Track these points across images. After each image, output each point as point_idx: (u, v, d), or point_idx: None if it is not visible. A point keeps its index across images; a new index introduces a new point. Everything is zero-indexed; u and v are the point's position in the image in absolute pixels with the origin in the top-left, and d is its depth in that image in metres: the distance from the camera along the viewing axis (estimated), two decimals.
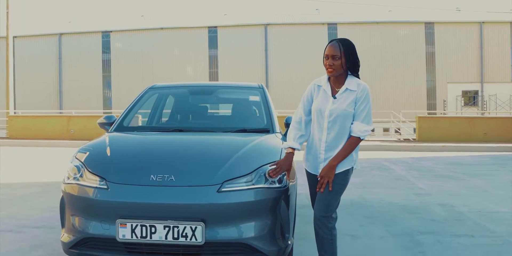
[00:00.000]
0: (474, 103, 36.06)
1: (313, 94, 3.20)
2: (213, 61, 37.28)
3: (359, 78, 3.16)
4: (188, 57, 37.09)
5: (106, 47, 38.40)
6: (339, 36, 33.42)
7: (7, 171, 9.27)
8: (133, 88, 30.82)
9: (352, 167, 3.15)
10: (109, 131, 4.32)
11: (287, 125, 4.12)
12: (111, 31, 38.41)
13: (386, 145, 15.17)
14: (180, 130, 4.28)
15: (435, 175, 8.99)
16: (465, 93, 36.13)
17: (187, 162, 3.27)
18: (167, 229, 2.91)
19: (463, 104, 35.87)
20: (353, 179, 3.24)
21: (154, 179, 3.07)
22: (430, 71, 36.03)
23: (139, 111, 4.77)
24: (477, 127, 16.37)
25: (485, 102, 35.40)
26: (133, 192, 3.02)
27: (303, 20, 37.96)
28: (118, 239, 2.95)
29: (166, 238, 2.91)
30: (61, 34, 38.77)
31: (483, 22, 35.66)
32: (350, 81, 3.10)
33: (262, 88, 4.98)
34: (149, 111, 5.19)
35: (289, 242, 3.20)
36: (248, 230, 3.00)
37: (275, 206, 3.09)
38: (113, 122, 4.45)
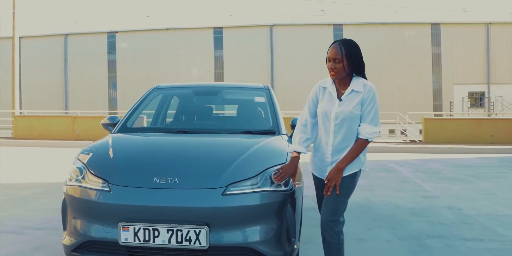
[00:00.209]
0: (480, 104, 35.88)
1: (318, 96, 3.12)
2: (218, 61, 37.27)
3: (365, 78, 3.07)
4: (194, 57, 37.09)
5: (111, 48, 38.46)
6: (345, 37, 33.33)
7: (10, 171, 9.25)
8: (138, 89, 30.77)
9: (360, 170, 3.07)
10: (113, 132, 4.26)
11: (293, 126, 4.03)
12: (116, 32, 38.47)
13: (392, 146, 15.08)
14: (185, 132, 4.21)
15: (442, 177, 8.90)
16: (471, 95, 35.95)
17: (191, 164, 3.20)
18: (170, 232, 2.85)
19: (469, 106, 35.71)
20: (359, 181, 3.17)
21: (158, 181, 3.01)
22: (436, 72, 35.88)
23: (144, 111, 4.72)
24: (484, 128, 16.25)
25: (492, 104, 35.23)
26: (136, 195, 2.96)
27: (309, 21, 37.89)
28: (120, 243, 2.89)
29: (169, 242, 2.85)
30: (67, 34, 38.87)
31: (489, 23, 35.48)
32: (356, 82, 3.02)
33: (268, 89, 4.91)
34: (154, 112, 5.13)
35: (295, 247, 3.13)
36: (253, 234, 2.94)
37: (281, 210, 3.02)
38: (116, 123, 4.38)
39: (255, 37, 36.67)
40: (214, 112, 5.42)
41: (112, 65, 38.32)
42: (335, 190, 2.96)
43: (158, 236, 2.85)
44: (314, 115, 3.14)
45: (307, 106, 3.17)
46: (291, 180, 3.14)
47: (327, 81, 3.11)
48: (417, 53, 35.68)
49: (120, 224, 2.88)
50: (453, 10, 40.82)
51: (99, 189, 3.03)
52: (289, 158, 3.15)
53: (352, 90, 3.00)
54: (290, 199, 3.08)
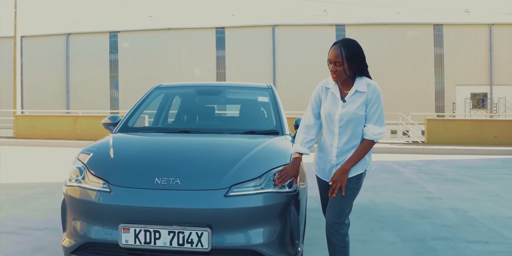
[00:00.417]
0: (483, 105, 35.78)
1: (321, 97, 3.05)
2: (220, 62, 37.22)
3: (369, 77, 3.00)
4: (196, 57, 37.06)
5: (113, 47, 38.45)
6: (347, 37, 33.26)
7: (10, 171, 9.21)
8: (140, 89, 30.75)
9: (365, 171, 3.02)
10: (114, 131, 4.20)
11: (297, 127, 3.99)
12: (118, 31, 38.46)
13: (395, 147, 15.03)
14: (187, 131, 4.15)
15: (445, 178, 8.85)
16: (473, 96, 35.86)
17: (193, 164, 3.14)
18: (172, 234, 2.79)
19: (471, 107, 35.61)
20: None
21: (159, 182, 2.95)
22: (438, 73, 35.80)
23: (145, 111, 4.66)
24: (487, 130, 16.21)
25: (494, 105, 35.13)
26: (137, 196, 2.90)
27: (311, 21, 37.84)
28: (120, 245, 2.83)
29: (170, 244, 2.79)
30: (68, 34, 38.86)
31: (492, 24, 35.39)
32: (360, 82, 2.94)
33: (271, 89, 4.85)
34: (155, 111, 5.08)
35: (299, 249, 3.07)
36: (256, 237, 2.88)
37: (285, 212, 2.96)
38: (117, 123, 4.33)
39: (257, 37, 36.62)
40: (216, 112, 5.36)
41: (114, 65, 38.30)
42: (341, 191, 2.91)
43: (159, 238, 2.79)
44: (318, 116, 3.08)
45: (310, 107, 3.11)
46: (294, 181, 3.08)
47: (330, 81, 3.03)
48: (420, 54, 35.60)
49: (121, 225, 2.82)
50: (455, 11, 40.75)
51: (99, 190, 2.97)
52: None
53: (356, 90, 2.93)
54: (294, 200, 3.02)
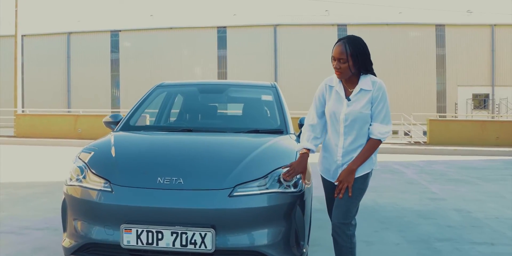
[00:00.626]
0: (484, 106, 35.73)
1: (325, 95, 2.97)
2: (222, 61, 37.19)
3: (374, 74, 2.92)
4: (197, 57, 37.02)
5: (114, 47, 38.41)
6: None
7: (11, 170, 9.16)
8: (141, 88, 30.73)
9: (372, 170, 2.96)
10: (115, 130, 4.14)
11: (301, 126, 3.91)
12: (120, 31, 38.43)
13: (397, 147, 14.98)
14: (189, 130, 4.09)
15: (447, 179, 8.79)
16: (475, 96, 35.81)
17: (196, 164, 3.08)
18: (174, 235, 2.73)
19: (473, 108, 35.55)
20: None
21: (162, 182, 2.89)
22: (440, 74, 35.75)
23: (147, 110, 4.60)
24: (489, 130, 16.15)
25: (496, 106, 35.07)
26: (139, 196, 2.84)
27: (313, 21, 37.80)
28: (122, 245, 2.78)
29: (173, 245, 2.73)
30: (70, 33, 38.83)
31: (494, 25, 35.34)
32: (364, 80, 2.86)
33: (275, 87, 4.79)
34: (157, 110, 5.02)
35: (304, 250, 3.02)
36: (260, 238, 2.82)
37: (290, 212, 2.91)
38: (119, 121, 4.27)
39: (259, 36, 36.58)
40: (219, 110, 5.29)
41: (115, 64, 38.26)
42: (347, 192, 2.85)
43: (162, 239, 2.74)
44: (322, 115, 3.01)
45: (313, 106, 3.03)
46: (300, 181, 3.01)
47: (334, 79, 2.95)
48: (421, 54, 35.56)
49: (122, 226, 2.76)
50: (457, 11, 40.74)
51: (100, 190, 2.92)
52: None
53: (361, 89, 2.86)
54: (299, 201, 2.96)
